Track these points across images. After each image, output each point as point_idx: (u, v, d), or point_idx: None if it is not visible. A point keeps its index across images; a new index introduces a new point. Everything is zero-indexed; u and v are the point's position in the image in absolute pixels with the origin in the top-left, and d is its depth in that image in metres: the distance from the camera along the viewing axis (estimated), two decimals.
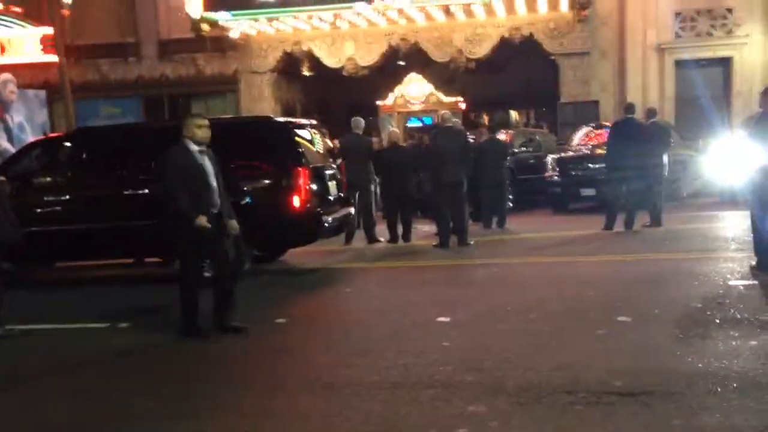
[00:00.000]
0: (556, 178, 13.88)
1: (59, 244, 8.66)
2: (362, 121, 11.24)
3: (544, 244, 10.26)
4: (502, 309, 6.47)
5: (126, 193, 8.59)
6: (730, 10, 18.10)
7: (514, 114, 21.51)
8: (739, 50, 18.22)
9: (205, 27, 18.04)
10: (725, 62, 18.59)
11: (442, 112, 11.75)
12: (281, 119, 10.10)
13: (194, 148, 5.90)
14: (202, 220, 5.70)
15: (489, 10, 18.03)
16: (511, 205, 12.72)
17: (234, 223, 6.00)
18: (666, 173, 11.21)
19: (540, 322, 5.88)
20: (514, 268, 8.66)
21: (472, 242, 10.15)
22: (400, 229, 10.80)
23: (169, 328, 6.12)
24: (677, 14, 18.46)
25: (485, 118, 18.48)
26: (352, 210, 10.01)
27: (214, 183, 5.92)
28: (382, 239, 10.89)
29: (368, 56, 19.58)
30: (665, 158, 11.15)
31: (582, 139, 15.24)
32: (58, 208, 8.74)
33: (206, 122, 6.01)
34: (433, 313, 6.34)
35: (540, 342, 5.35)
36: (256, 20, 18.37)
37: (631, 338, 5.34)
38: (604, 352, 5.00)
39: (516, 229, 11.77)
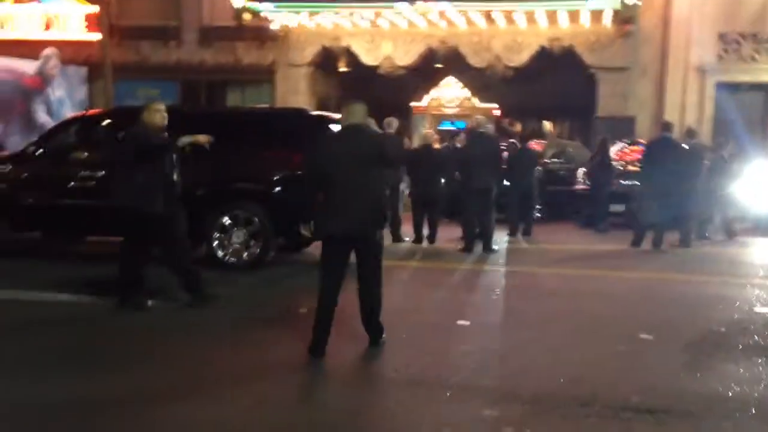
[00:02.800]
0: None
1: (91, 218, 8.79)
2: (395, 121, 11.26)
3: (570, 257, 10.22)
4: (523, 317, 6.47)
5: None
6: None
7: (548, 125, 21.40)
8: None
9: (247, 16, 18.19)
10: (767, 88, 18.33)
11: (476, 117, 11.73)
12: (315, 112, 10.17)
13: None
14: None
15: (530, 18, 17.95)
16: (538, 215, 12.67)
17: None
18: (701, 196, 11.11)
19: (560, 334, 5.87)
20: (537, 277, 8.63)
21: (496, 248, 10.14)
22: (426, 231, 10.82)
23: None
24: (721, 36, 18.23)
25: (518, 127, 18.43)
26: None
27: None
28: (407, 238, 10.91)
29: (406, 56, 19.59)
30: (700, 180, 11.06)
31: (615, 154, 15.11)
32: (92, 183, 8.87)
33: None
34: (453, 316, 6.36)
35: (559, 353, 5.34)
36: (297, 13, 18.48)
37: (651, 356, 5.31)
38: (623, 368, 4.98)
39: (542, 239, 11.73)
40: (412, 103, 20.19)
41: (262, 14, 18.25)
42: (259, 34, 19.86)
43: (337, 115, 10.09)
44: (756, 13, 17.80)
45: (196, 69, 20.52)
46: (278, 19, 18.80)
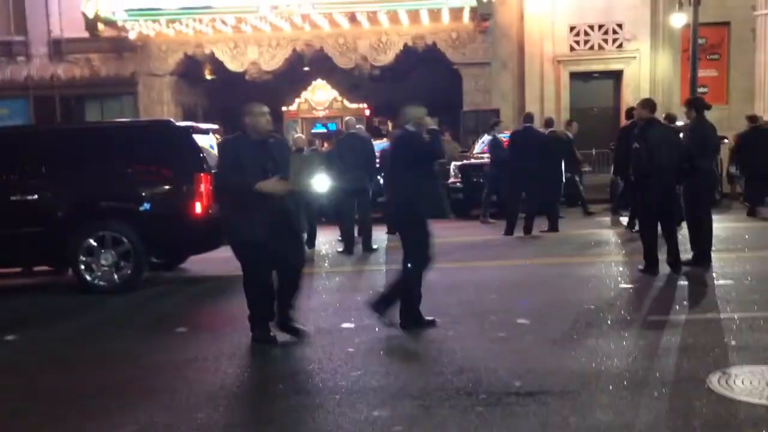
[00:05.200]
0: (458, 184, 14.15)
1: None
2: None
3: (446, 250, 10.35)
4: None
5: (14, 198, 8.15)
6: (620, 26, 19.03)
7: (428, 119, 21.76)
8: (628, 64, 19.18)
9: (101, 27, 17.41)
10: (617, 75, 19.53)
11: (347, 118, 11.77)
12: (181, 123, 9.85)
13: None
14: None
15: (393, 18, 18.26)
16: None
17: None
18: (564, 180, 11.66)
19: (442, 327, 5.96)
20: None
21: (376, 247, 10.21)
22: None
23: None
24: (572, 28, 19.25)
25: (389, 125, 18.67)
26: None
27: None
28: None
29: (272, 61, 19.42)
30: (563, 166, 11.61)
31: (484, 146, 15.61)
32: None
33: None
34: (337, 320, 6.34)
35: (443, 346, 5.43)
36: (155, 21, 17.88)
37: (529, 340, 5.50)
38: (503, 355, 5.13)
39: None
40: (284, 108, 20.03)
41: (117, 23, 17.52)
42: (116, 44, 19.11)
43: (207, 125, 9.88)
44: (603, 5, 18.90)
45: (48, 84, 19.47)
46: (135, 28, 18.11)
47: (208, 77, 20.27)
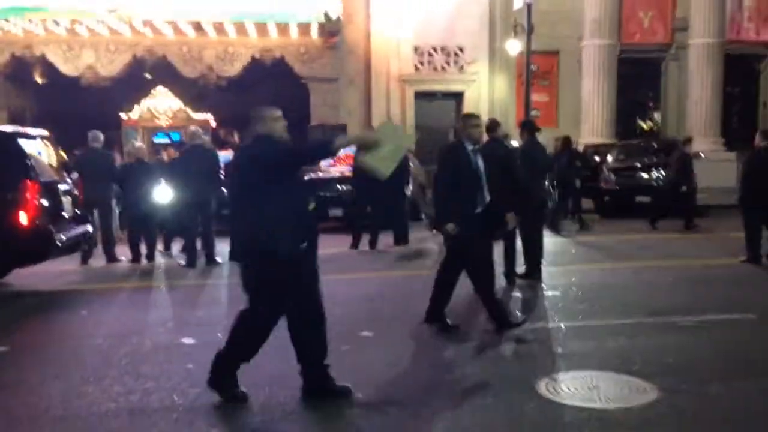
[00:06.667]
0: None
1: None
2: (101, 135, 10.56)
3: None
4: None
5: None
6: (461, 49, 19.88)
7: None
8: (469, 86, 20.06)
9: None
10: (458, 96, 20.37)
11: (191, 128, 11.42)
12: (6, 128, 9.16)
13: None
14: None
15: (240, 29, 18.01)
16: None
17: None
18: (409, 194, 11.97)
19: (288, 341, 5.90)
20: None
21: (219, 260, 9.96)
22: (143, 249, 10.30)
23: None
24: (416, 48, 19.88)
25: (236, 136, 18.35)
26: (90, 228, 9.36)
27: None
28: (123, 258, 10.28)
29: (110, 66, 18.52)
30: (410, 180, 11.95)
31: (331, 161, 15.71)
32: None
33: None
34: (177, 335, 6.11)
35: (289, 360, 5.36)
36: None
37: (371, 352, 5.57)
38: (347, 367, 5.13)
39: None
40: (122, 115, 19.13)
41: None
42: None
43: (36, 131, 9.24)
44: (445, 28, 19.68)
45: None
46: None
47: (39, 80, 18.98)
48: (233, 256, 4.51)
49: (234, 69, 19.03)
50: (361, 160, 4.59)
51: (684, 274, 8.60)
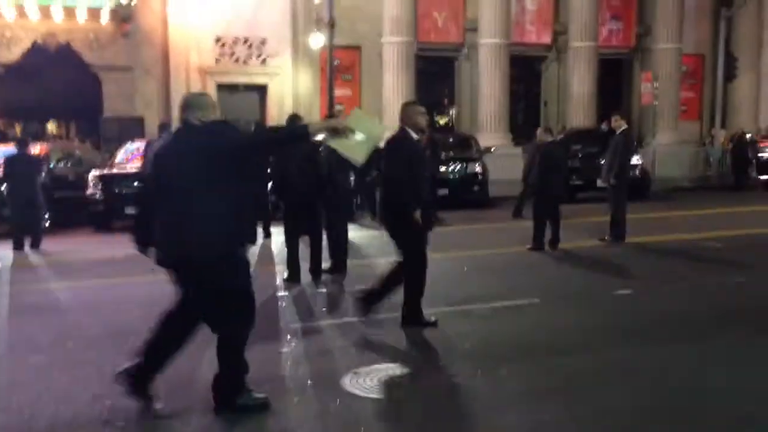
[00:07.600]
0: (98, 195, 13.27)
1: None
2: None
3: (84, 267, 9.69)
4: (37, 340, 5.91)
5: None
6: (264, 42, 19.66)
7: (51, 126, 20.02)
8: (272, 79, 19.90)
9: None
10: (262, 89, 20.13)
11: None
12: None
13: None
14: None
15: (20, 12, 16.52)
16: (47, 224, 11.78)
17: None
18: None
19: (79, 351, 5.51)
20: (50, 293, 7.97)
21: None
22: None
23: None
24: (217, 40, 19.36)
25: (17, 129, 16.85)
26: None
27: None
28: None
29: None
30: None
31: (126, 155, 14.86)
32: None
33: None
34: None
35: (78, 372, 5.00)
36: None
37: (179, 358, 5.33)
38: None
39: (53, 250, 10.89)
40: None
41: None
42: None
43: None
44: (248, 19, 19.33)
45: None
46: None
47: None
48: (165, 261, 4.06)
49: (12, 55, 17.42)
50: (333, 146, 4.41)
51: (476, 263, 9.12)
